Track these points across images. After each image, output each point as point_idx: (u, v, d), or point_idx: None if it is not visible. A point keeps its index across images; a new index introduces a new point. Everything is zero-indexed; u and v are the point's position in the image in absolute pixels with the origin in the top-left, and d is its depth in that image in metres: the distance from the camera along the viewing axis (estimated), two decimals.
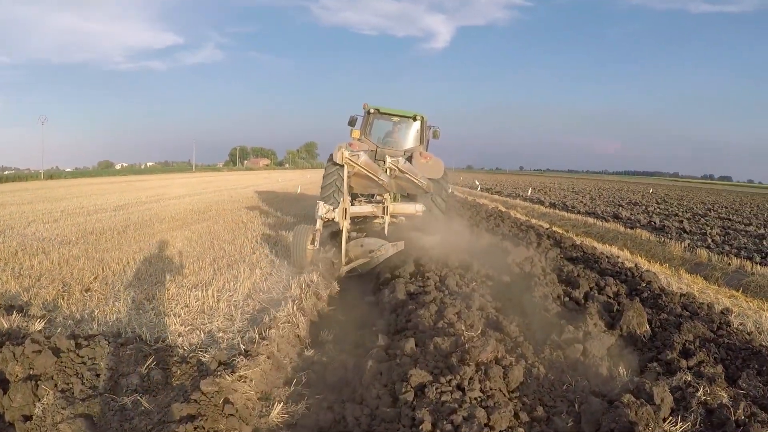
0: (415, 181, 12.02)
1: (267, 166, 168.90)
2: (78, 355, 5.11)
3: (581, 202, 38.76)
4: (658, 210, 33.71)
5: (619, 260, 13.26)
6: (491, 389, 4.73)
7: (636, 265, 12.53)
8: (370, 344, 6.73)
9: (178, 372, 5.27)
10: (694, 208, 37.27)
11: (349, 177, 10.22)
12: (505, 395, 4.78)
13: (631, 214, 29.10)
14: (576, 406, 4.77)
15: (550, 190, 56.26)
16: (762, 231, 22.32)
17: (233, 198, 30.29)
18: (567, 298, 8.61)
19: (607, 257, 13.25)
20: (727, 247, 17.69)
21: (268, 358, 5.81)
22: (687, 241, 18.74)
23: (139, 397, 4.66)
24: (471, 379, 4.84)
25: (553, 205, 34.95)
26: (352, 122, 14.65)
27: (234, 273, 9.74)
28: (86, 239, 13.37)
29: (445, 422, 4.15)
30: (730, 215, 31.23)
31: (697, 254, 16.32)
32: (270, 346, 6.09)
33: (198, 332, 6.53)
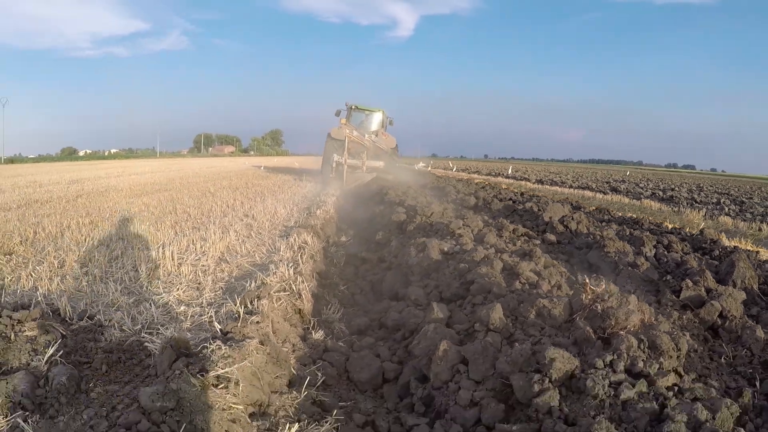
0: (381, 146, 22.37)
1: (232, 153, 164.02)
2: None
3: (565, 180, 37.13)
4: (651, 185, 32.24)
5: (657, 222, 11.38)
6: (667, 369, 2.62)
7: (681, 226, 10.71)
8: (409, 319, 4.56)
9: (104, 368, 2.94)
10: (684, 185, 35.99)
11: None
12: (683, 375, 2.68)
13: (627, 187, 27.46)
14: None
15: (526, 172, 54.63)
16: None
17: (198, 174, 27.54)
18: (643, 258, 6.49)
19: (648, 221, 11.27)
20: (748, 215, 16.37)
21: (262, 344, 3.55)
22: (703, 210, 17.43)
23: (20, 421, 2.33)
24: (635, 357, 2.69)
25: (540, 182, 33.19)
26: (337, 113, 23.00)
27: (201, 234, 7.40)
28: (28, 207, 10.72)
29: None
30: (727, 191, 29.92)
31: (719, 221, 15.07)
32: (263, 324, 3.83)
33: (147, 304, 4.22)
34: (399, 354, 4.33)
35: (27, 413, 2.40)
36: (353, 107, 23.65)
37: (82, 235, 7.02)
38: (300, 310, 4.88)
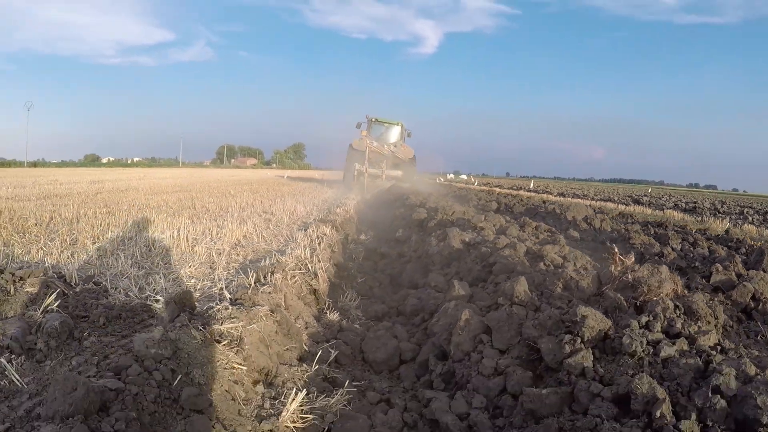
0: (399, 156, 23.50)
1: (254, 165, 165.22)
2: None
3: (586, 194, 36.65)
4: (673, 200, 31.60)
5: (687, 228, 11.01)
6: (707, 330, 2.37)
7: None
8: (428, 301, 4.35)
9: (101, 321, 2.77)
10: (707, 200, 35.22)
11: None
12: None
13: (650, 200, 26.93)
14: None
15: (548, 187, 54.11)
16: None
17: (220, 180, 27.65)
18: (670, 248, 6.20)
19: (672, 223, 10.93)
20: None
21: (272, 312, 3.37)
22: (726, 219, 17.00)
23: (3, 361, 2.17)
24: (672, 319, 2.45)
25: (561, 194, 32.74)
26: (358, 125, 24.06)
27: (218, 223, 7.25)
28: (47, 199, 10.73)
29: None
30: (750, 205, 29.19)
31: (743, 229, 14.66)
32: (274, 295, 3.65)
33: (156, 276, 4.06)
34: (417, 337, 4.12)
35: (14, 356, 2.24)
36: (374, 120, 24.74)
37: (98, 221, 6.94)
38: (315, 290, 4.69)
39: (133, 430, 1.75)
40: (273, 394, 2.86)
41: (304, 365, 3.38)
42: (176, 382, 2.12)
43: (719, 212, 19.55)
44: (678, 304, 2.73)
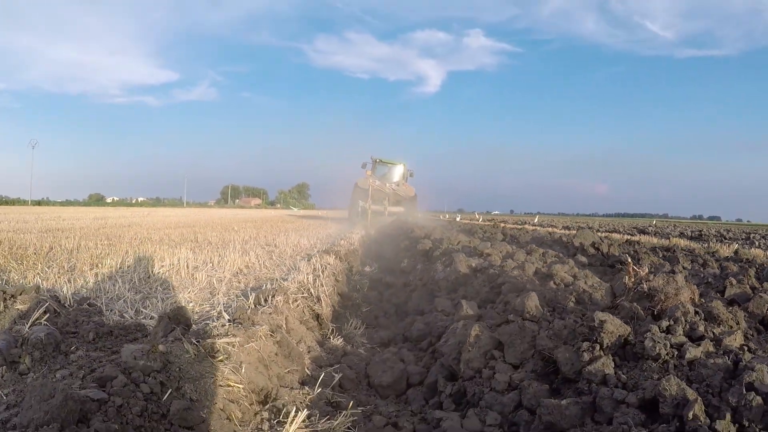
0: (401, 194, 24.69)
1: (258, 205, 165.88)
2: None
3: (592, 226, 36.41)
4: (678, 230, 31.41)
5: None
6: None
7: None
8: (436, 323, 4.20)
9: (91, 336, 2.62)
10: (711, 230, 35.01)
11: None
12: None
13: (655, 230, 26.74)
14: None
15: (553, 221, 54.02)
16: None
17: (224, 218, 27.67)
18: (681, 266, 6.04)
19: (680, 249, 10.76)
20: None
21: (272, 333, 3.22)
22: (734, 244, 16.80)
23: None
24: (694, 323, 2.30)
25: (567, 228, 32.55)
26: (363, 165, 25.87)
27: (219, 253, 7.13)
28: (49, 233, 10.65)
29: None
30: (755, 231, 28.94)
31: (751, 252, 14.49)
32: (275, 316, 3.50)
33: (153, 300, 3.93)
34: (425, 361, 3.93)
35: None
36: (378, 160, 26.55)
37: (97, 250, 6.83)
38: (318, 315, 4.54)
39: None
40: (272, 416, 2.69)
41: (306, 388, 3.21)
42: (166, 396, 1.96)
43: (725, 238, 19.36)
44: (698, 310, 2.58)
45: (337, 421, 2.79)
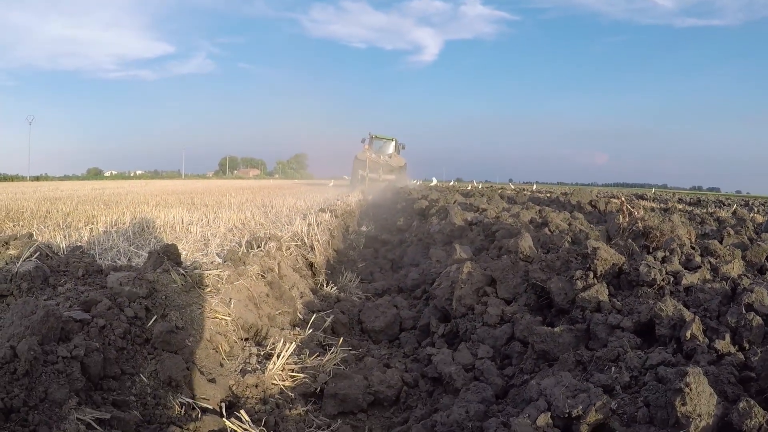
0: (393, 164, 29.33)
1: (257, 176, 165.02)
2: None
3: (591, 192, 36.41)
4: (677, 198, 31.46)
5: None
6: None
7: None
8: (429, 269, 4.18)
9: (80, 273, 2.59)
10: (711, 198, 35.05)
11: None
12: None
13: (654, 196, 26.75)
14: None
15: (551, 188, 53.96)
16: None
17: (221, 187, 27.52)
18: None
19: (677, 209, 10.77)
20: None
21: (264, 275, 3.19)
22: (733, 206, 16.85)
23: None
24: (690, 254, 2.28)
25: (565, 194, 32.59)
26: (363, 140, 30.26)
27: (215, 212, 7.09)
28: (46, 201, 10.57)
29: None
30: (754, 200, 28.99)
31: (751, 216, 14.59)
32: (267, 259, 3.48)
33: (147, 249, 3.88)
34: (419, 308, 3.93)
35: None
36: (374, 136, 31.55)
37: (94, 212, 6.79)
38: (312, 264, 4.52)
39: (94, 360, 1.57)
40: (261, 351, 2.68)
41: (297, 329, 3.21)
42: (151, 322, 1.95)
43: (723, 204, 19.36)
44: (695, 246, 2.55)
45: (326, 358, 2.79)
